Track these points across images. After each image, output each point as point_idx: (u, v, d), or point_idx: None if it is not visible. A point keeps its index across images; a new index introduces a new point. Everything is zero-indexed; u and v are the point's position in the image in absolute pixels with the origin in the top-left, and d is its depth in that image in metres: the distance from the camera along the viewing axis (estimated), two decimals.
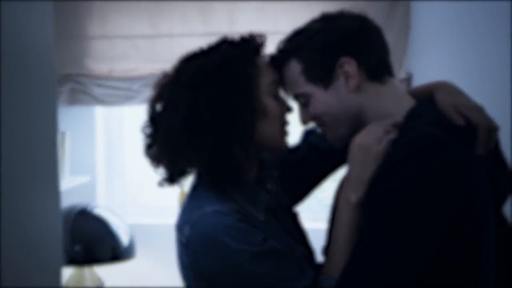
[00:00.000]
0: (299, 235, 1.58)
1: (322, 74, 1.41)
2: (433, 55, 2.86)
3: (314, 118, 1.45)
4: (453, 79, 2.79)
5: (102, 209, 2.96)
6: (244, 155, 1.41)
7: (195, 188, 1.48)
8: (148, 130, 1.47)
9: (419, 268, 1.25)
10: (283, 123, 1.48)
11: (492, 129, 1.37)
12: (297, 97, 1.47)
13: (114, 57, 3.08)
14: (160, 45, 3.05)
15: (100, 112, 3.29)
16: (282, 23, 2.96)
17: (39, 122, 1.24)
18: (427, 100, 1.44)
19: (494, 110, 2.57)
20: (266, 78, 1.45)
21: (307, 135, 1.69)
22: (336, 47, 1.41)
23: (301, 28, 1.46)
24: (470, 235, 1.26)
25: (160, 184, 1.47)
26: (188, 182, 1.57)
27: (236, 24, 2.99)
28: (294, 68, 1.44)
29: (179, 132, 1.39)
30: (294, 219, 1.63)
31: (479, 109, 1.41)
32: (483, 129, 1.36)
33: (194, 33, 3.03)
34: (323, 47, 1.41)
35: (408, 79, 2.84)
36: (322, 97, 1.42)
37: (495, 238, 1.34)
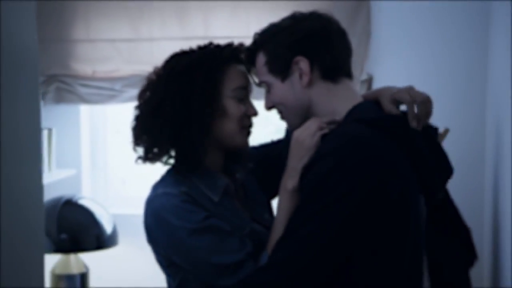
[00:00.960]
0: (264, 218, 1.68)
1: (281, 68, 1.50)
2: (393, 58, 2.88)
3: (274, 106, 1.56)
4: (413, 81, 2.57)
5: (86, 200, 3.00)
6: (201, 146, 1.53)
7: (166, 172, 1.62)
8: (135, 114, 1.61)
9: (335, 248, 1.34)
10: (243, 124, 1.59)
11: (420, 102, 1.45)
12: (260, 84, 1.58)
13: (97, 59, 3.17)
14: (141, 48, 3.15)
15: (84, 110, 3.37)
16: (253, 27, 3.04)
17: (23, 119, 1.29)
18: (373, 102, 1.53)
19: (451, 111, 2.68)
20: (232, 83, 1.57)
21: (287, 133, 1.77)
22: (295, 45, 1.49)
23: (273, 24, 1.56)
24: (389, 216, 1.36)
25: (136, 160, 1.60)
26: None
27: (211, 28, 3.11)
28: (260, 59, 1.54)
29: (148, 118, 1.55)
30: (264, 206, 1.73)
31: (408, 89, 1.49)
32: (408, 102, 1.45)
33: (172, 37, 3.14)
34: (284, 44, 1.50)
35: (369, 81, 2.90)
36: (279, 88, 1.51)
37: (423, 229, 1.43)
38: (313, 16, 1.52)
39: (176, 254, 1.51)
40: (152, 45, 3.15)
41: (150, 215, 1.54)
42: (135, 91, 3.02)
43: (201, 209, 1.51)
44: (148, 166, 1.69)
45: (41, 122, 1.35)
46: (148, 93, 1.59)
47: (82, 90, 3.18)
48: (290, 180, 1.47)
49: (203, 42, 3.15)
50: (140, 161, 1.60)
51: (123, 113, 3.52)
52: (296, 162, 1.46)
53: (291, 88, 1.50)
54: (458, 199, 1.65)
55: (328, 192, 1.35)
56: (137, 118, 1.58)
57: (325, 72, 1.49)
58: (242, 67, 1.61)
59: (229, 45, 1.61)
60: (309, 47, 1.48)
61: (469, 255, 1.62)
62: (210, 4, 3.10)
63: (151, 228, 1.54)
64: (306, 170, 1.43)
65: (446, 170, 1.53)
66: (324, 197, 1.35)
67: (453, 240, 1.57)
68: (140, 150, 1.60)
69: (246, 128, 1.60)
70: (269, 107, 1.57)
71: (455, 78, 2.83)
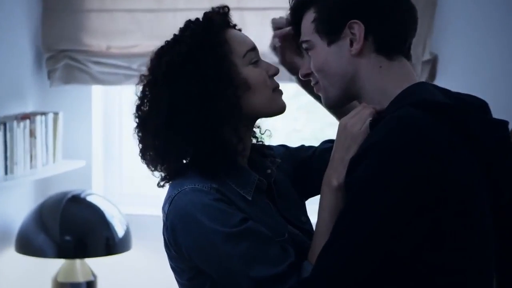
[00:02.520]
0: (301, 220, 1.62)
1: (330, 29, 1.43)
2: (461, 34, 2.82)
3: (311, 73, 1.50)
4: (482, 61, 2.81)
5: (96, 197, 2.90)
6: (236, 137, 1.48)
7: (185, 170, 1.53)
8: (139, 136, 1.53)
9: (393, 256, 1.29)
10: (270, 86, 1.53)
11: None
12: (301, 44, 1.50)
13: (113, 33, 3.02)
14: (164, 20, 2.98)
15: (97, 91, 3.23)
16: None
17: None
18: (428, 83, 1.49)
19: None
20: (239, 50, 1.50)
21: (324, 144, 1.75)
22: (353, 7, 1.42)
23: None
24: (447, 219, 1.29)
25: (160, 185, 1.52)
26: None
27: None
28: (309, 15, 1.47)
29: (168, 132, 1.47)
30: (300, 207, 1.67)
31: None
32: None
33: (201, 8, 2.87)
34: (341, 2, 1.44)
35: (433, 61, 2.82)
36: (323, 51, 1.45)
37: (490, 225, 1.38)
38: None
39: (205, 261, 1.43)
40: (176, 16, 2.97)
41: (175, 214, 1.43)
42: None
43: (236, 210, 1.43)
44: None
45: None
46: (148, 106, 1.50)
47: (95, 69, 3.04)
48: (335, 174, 1.41)
49: (236, 14, 3.01)
50: (165, 183, 1.51)
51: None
52: (343, 153, 1.40)
53: (337, 54, 1.44)
54: None
55: (381, 190, 1.29)
56: (148, 140, 1.50)
57: (381, 45, 1.42)
58: (235, 30, 1.56)
59: (215, 12, 1.54)
60: (368, 11, 1.41)
61: None
62: None
63: (175, 229, 1.43)
64: (354, 164, 1.35)
65: None
66: (377, 196, 1.30)
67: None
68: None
69: (276, 89, 1.54)
70: (306, 73, 1.51)
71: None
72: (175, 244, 1.44)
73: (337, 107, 1.53)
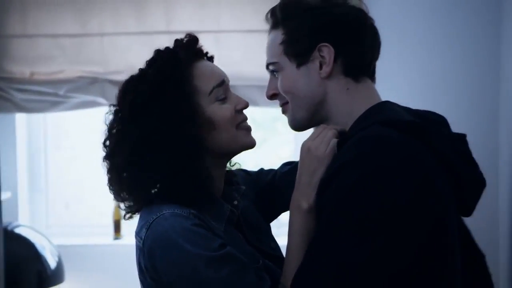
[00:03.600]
0: (271, 247, 1.60)
1: (300, 52, 1.42)
2: (394, 58, 2.77)
3: (278, 94, 1.48)
4: (416, 83, 2.81)
5: (25, 229, 2.79)
6: (204, 170, 1.45)
7: (155, 200, 1.48)
8: (106, 167, 1.49)
9: (369, 274, 1.25)
10: (238, 122, 1.50)
11: None
12: (268, 65, 1.48)
13: (37, 58, 2.91)
14: (90, 45, 2.89)
15: (21, 120, 3.12)
16: (224, 21, 2.83)
17: None
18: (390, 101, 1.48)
19: (462, 116, 2.65)
20: (205, 88, 1.47)
21: (284, 167, 1.74)
22: (322, 29, 1.41)
23: (297, 0, 1.46)
24: (427, 235, 1.27)
25: (126, 218, 1.51)
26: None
27: (174, 21, 2.84)
28: (277, 36, 1.45)
29: (133, 167, 1.45)
30: (267, 233, 1.64)
31: None
32: None
33: (128, 32, 2.87)
34: (310, 25, 1.42)
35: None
36: (291, 74, 1.43)
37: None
38: (347, 3, 1.46)
39: (186, 285, 1.38)
40: (103, 41, 2.90)
41: (154, 239, 1.39)
42: (82, 96, 2.88)
43: (215, 236, 1.41)
44: (94, 187, 1.62)
45: None
46: (115, 139, 1.48)
47: (18, 96, 2.92)
48: (304, 197, 1.39)
49: (164, 38, 2.93)
50: (132, 213, 1.49)
51: (65, 124, 3.28)
52: (309, 176, 1.39)
53: (306, 77, 1.43)
54: (469, 218, 1.53)
55: (357, 209, 1.26)
56: (111, 171, 1.48)
57: (349, 67, 1.42)
58: (205, 61, 1.52)
59: (182, 43, 1.50)
60: (337, 35, 1.41)
61: (485, 285, 1.52)
62: None
63: (154, 255, 1.39)
64: (325, 185, 1.33)
65: (477, 182, 1.45)
66: (353, 214, 1.26)
67: (466, 269, 1.46)
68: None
69: (243, 125, 1.51)
70: (272, 94, 1.48)
71: (466, 81, 2.75)
72: (152, 270, 1.41)
73: (302, 129, 1.50)
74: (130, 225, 1.53)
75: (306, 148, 1.41)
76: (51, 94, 2.89)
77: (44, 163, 3.18)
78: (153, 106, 1.44)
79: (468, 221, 1.54)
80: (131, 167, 1.44)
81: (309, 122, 1.46)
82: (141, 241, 1.41)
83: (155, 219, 1.39)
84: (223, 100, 1.49)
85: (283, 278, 1.39)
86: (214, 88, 1.46)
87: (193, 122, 1.44)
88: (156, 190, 1.47)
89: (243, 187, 1.60)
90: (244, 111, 1.53)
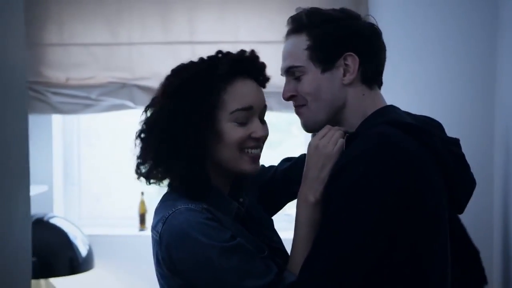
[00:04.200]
0: (274, 240, 1.62)
1: (326, 58, 1.46)
2: (394, 59, 2.68)
3: (297, 95, 1.49)
4: (415, 85, 2.75)
5: (59, 219, 2.91)
6: (201, 172, 1.46)
7: (168, 193, 1.53)
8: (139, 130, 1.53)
9: (370, 262, 1.31)
10: (245, 147, 1.49)
11: None
12: (290, 69, 1.49)
13: (71, 65, 3.05)
14: (119, 53, 3.03)
15: (57, 120, 3.25)
16: (242, 32, 2.97)
17: (11, 129, 1.20)
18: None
19: (458, 119, 2.59)
20: (229, 106, 1.46)
21: (283, 163, 1.76)
22: (348, 39, 1.46)
23: (319, 10, 1.51)
24: (423, 228, 1.33)
25: (139, 178, 1.52)
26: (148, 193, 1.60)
27: (196, 33, 2.98)
28: (301, 42, 1.47)
29: (148, 137, 1.50)
30: (271, 228, 1.67)
31: None
32: None
33: (154, 42, 3.01)
34: (337, 35, 1.46)
35: None
36: (316, 77, 1.47)
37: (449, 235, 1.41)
38: (361, 18, 1.52)
39: (202, 276, 1.41)
40: (131, 50, 3.03)
41: (171, 233, 1.42)
42: (112, 100, 3.08)
43: (225, 228, 1.44)
44: (122, 182, 1.58)
45: (28, 131, 1.26)
46: (148, 111, 1.52)
47: (55, 99, 3.06)
48: (311, 191, 1.43)
49: (187, 48, 3.03)
50: (142, 179, 1.52)
51: (96, 124, 3.40)
52: (317, 172, 1.42)
53: (330, 82, 1.47)
54: (465, 215, 1.56)
55: (363, 199, 1.31)
56: (140, 136, 1.52)
57: (367, 76, 1.48)
58: (249, 82, 1.49)
59: (228, 57, 1.48)
60: (361, 46, 1.47)
61: (478, 279, 1.59)
62: (196, 6, 2.98)
63: (170, 247, 1.42)
64: (334, 178, 1.37)
65: (470, 182, 1.50)
66: (359, 205, 1.32)
67: (461, 264, 1.54)
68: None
69: (250, 151, 1.49)
70: (290, 96, 1.51)
71: (462, 84, 2.76)
72: (169, 262, 1.42)
73: (316, 131, 1.51)
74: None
75: (313, 146, 1.44)
76: (84, 98, 3.04)
77: (77, 160, 3.31)
78: (178, 98, 1.45)
79: (464, 219, 1.56)
80: (152, 143, 1.47)
81: (324, 124, 1.48)
82: (158, 235, 1.44)
83: (171, 214, 1.43)
84: (243, 124, 1.48)
85: (289, 265, 1.43)
86: (237, 110, 1.46)
87: (203, 127, 1.45)
88: (170, 184, 1.50)
89: (251, 189, 1.62)
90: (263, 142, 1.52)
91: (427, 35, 2.79)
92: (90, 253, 2.87)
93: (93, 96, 3.04)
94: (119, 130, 3.33)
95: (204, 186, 1.47)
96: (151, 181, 1.51)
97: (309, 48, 1.46)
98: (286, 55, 1.50)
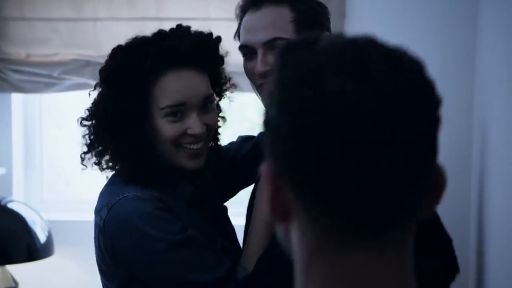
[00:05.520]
0: (227, 230, 1.61)
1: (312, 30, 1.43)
2: None
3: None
4: None
5: (17, 204, 2.83)
6: (140, 163, 1.43)
7: (114, 176, 1.49)
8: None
9: None
10: (181, 144, 1.44)
11: None
12: (274, 40, 1.42)
13: (33, 41, 2.95)
14: (83, 29, 2.94)
15: (17, 99, 3.15)
16: (213, 9, 2.88)
17: None
18: None
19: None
20: (161, 101, 1.41)
21: (242, 143, 1.73)
22: (328, 19, 1.48)
23: None
24: None
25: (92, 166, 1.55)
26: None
27: (165, 9, 2.88)
28: (285, 14, 1.43)
29: (90, 120, 1.53)
30: (224, 216, 1.65)
31: None
32: None
33: (120, 18, 2.92)
34: (320, 12, 1.47)
35: None
36: None
37: None
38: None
39: (146, 269, 1.39)
40: (96, 26, 2.94)
41: (116, 221, 1.40)
42: (76, 78, 2.94)
43: (176, 219, 1.41)
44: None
45: None
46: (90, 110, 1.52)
47: (15, 77, 2.96)
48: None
49: (154, 24, 2.94)
50: (95, 167, 1.53)
51: (61, 104, 3.31)
52: None
53: None
54: (442, 205, 1.50)
55: None
56: (83, 121, 1.54)
57: None
58: (183, 73, 1.42)
59: (159, 45, 1.41)
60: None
61: (451, 268, 1.56)
62: None
63: (114, 236, 1.40)
64: None
65: None
66: None
67: (433, 252, 1.51)
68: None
69: (186, 147, 1.43)
70: (265, 71, 1.42)
71: (440, 76, 2.65)
72: (112, 251, 1.40)
73: None
74: None
75: None
76: (46, 76, 2.93)
77: (39, 141, 3.22)
78: (110, 87, 1.44)
79: (442, 211, 1.51)
80: (93, 127, 1.49)
81: None
82: (102, 221, 1.41)
83: (117, 200, 1.39)
84: (176, 120, 1.42)
85: (242, 259, 1.41)
86: (167, 106, 1.41)
87: (135, 120, 1.42)
88: (117, 168, 1.46)
89: (210, 172, 1.58)
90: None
91: (406, 32, 2.77)
92: (49, 239, 2.78)
93: (55, 74, 2.93)
94: (83, 112, 3.21)
95: (150, 171, 1.42)
96: (104, 167, 1.47)
97: (295, 21, 1.42)
98: (266, 25, 1.43)
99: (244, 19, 1.49)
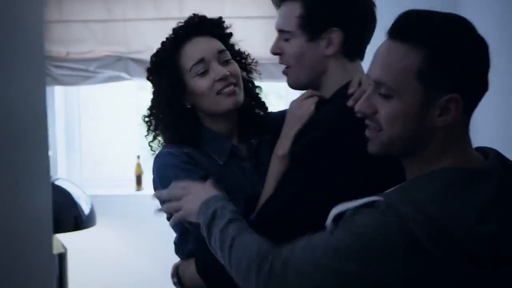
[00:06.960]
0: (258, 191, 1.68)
1: (313, 29, 1.50)
2: None
3: (282, 54, 1.55)
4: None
5: (63, 181, 3.09)
6: (185, 126, 1.64)
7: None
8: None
9: (323, 206, 1.29)
10: (217, 90, 1.63)
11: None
12: (280, 31, 1.55)
13: (71, 40, 3.25)
14: (114, 28, 3.23)
15: (59, 92, 3.44)
16: (227, 9, 3.17)
17: (31, 99, 1.36)
18: None
19: None
20: (186, 66, 1.63)
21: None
22: (337, 14, 1.49)
23: None
24: (367, 172, 1.38)
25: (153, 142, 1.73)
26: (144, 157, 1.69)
27: (186, 10, 3.17)
28: (295, 9, 1.51)
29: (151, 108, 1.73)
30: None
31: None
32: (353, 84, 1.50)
33: (146, 18, 3.22)
34: (328, 8, 1.50)
35: None
36: (301, 44, 1.52)
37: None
38: None
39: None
40: (125, 26, 3.24)
41: (155, 171, 1.66)
42: (109, 72, 3.32)
43: (200, 170, 1.59)
44: (119, 147, 1.78)
45: (46, 105, 1.41)
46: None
47: (56, 72, 3.26)
48: (281, 146, 1.53)
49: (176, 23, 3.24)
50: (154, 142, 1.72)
51: (96, 95, 3.59)
52: (288, 129, 1.53)
53: (313, 51, 1.52)
54: None
55: (319, 155, 1.40)
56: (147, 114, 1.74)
57: (349, 50, 1.52)
58: (196, 39, 1.65)
59: (174, 32, 1.66)
60: (349, 22, 1.49)
61: None
62: None
63: (156, 183, 1.65)
64: (298, 137, 1.49)
65: None
66: (314, 159, 1.41)
67: None
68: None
69: (223, 91, 1.63)
70: (277, 53, 1.56)
71: None
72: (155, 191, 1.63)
73: (301, 89, 1.60)
74: (149, 179, 1.75)
75: (291, 107, 1.56)
76: (83, 70, 3.24)
77: (78, 128, 3.51)
78: (155, 73, 1.67)
79: None
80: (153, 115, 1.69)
81: (306, 85, 1.56)
82: (152, 172, 1.69)
83: (157, 155, 1.66)
84: (203, 73, 1.62)
85: (256, 209, 1.50)
86: (192, 66, 1.62)
87: (181, 91, 1.64)
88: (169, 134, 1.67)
89: (268, 136, 1.70)
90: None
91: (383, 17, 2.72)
92: (92, 211, 3.05)
93: (91, 68, 3.24)
94: (116, 102, 3.53)
95: (189, 132, 1.65)
96: (157, 133, 1.71)
97: (300, 16, 1.50)
98: (280, 17, 1.55)
99: None
